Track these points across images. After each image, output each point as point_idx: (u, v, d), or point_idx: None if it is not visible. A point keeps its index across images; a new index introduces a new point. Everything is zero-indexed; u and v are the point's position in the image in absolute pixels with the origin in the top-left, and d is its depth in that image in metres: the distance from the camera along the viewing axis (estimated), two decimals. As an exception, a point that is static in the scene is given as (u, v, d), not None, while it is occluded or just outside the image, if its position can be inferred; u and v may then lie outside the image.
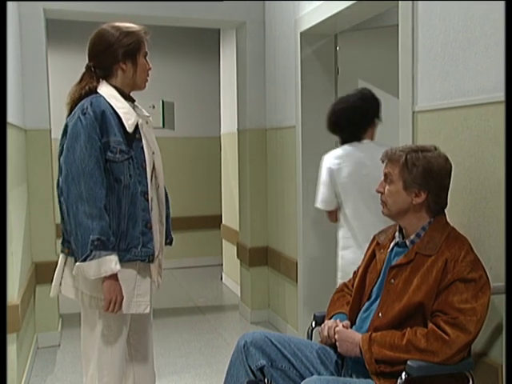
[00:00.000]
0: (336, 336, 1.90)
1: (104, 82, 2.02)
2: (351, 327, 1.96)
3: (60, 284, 2.05)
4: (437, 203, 1.85)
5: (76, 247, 1.87)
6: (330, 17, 3.13)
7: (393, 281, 1.85)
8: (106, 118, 1.91)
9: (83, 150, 1.87)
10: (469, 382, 1.79)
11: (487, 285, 1.75)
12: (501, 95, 1.83)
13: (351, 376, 1.90)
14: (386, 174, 1.93)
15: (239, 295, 4.61)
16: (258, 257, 4.24)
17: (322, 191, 2.80)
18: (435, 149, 1.88)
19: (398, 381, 1.70)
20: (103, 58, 2.01)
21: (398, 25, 2.44)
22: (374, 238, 2.08)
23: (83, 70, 2.07)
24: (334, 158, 2.76)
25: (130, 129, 1.96)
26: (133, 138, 1.98)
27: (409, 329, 1.76)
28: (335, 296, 2.17)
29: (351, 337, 1.85)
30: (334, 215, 2.84)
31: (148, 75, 2.11)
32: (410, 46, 2.35)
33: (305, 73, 3.51)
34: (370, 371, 1.76)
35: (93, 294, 1.96)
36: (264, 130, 4.19)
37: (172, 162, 5.77)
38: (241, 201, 4.47)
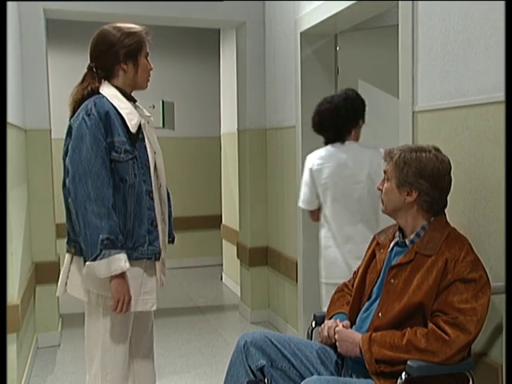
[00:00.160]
0: (336, 336, 1.90)
1: (106, 82, 2.03)
2: (351, 327, 1.96)
3: (66, 284, 2.07)
4: (429, 203, 1.84)
5: (85, 247, 1.89)
6: (330, 17, 3.13)
7: (393, 281, 1.85)
8: (110, 119, 1.93)
9: (89, 151, 1.89)
10: (469, 382, 1.79)
11: (487, 285, 1.75)
12: (501, 95, 1.83)
13: (351, 376, 1.90)
14: (384, 172, 1.94)
15: (239, 295, 4.61)
16: (257, 257, 4.24)
17: (303, 191, 2.87)
18: (435, 149, 1.87)
19: (398, 381, 1.70)
20: (105, 58, 2.03)
21: (397, 25, 2.45)
22: (375, 237, 2.08)
23: (83, 70, 2.08)
24: (316, 158, 2.80)
25: (133, 129, 1.98)
26: (136, 138, 2.00)
27: (409, 329, 1.76)
28: (335, 296, 2.17)
29: (351, 337, 1.85)
30: (315, 215, 2.90)
31: (149, 75, 2.13)
32: (410, 46, 2.35)
33: (305, 73, 3.52)
34: (370, 371, 1.76)
35: (100, 293, 1.98)
36: (264, 130, 4.19)
37: (172, 162, 5.76)
38: (241, 201, 4.47)
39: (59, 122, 3.93)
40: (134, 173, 1.97)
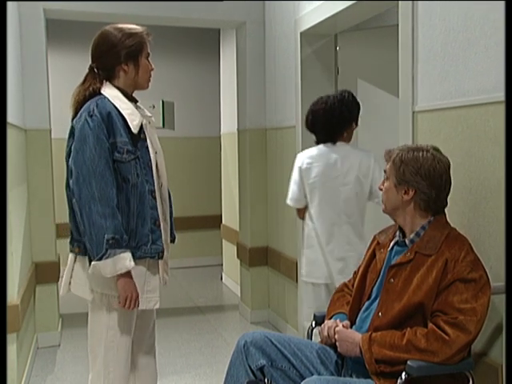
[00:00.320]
0: (336, 336, 1.90)
1: (107, 83, 2.05)
2: (351, 327, 1.96)
3: (69, 283, 2.08)
4: (426, 202, 1.84)
5: (91, 247, 1.90)
6: (330, 17, 3.13)
7: (392, 280, 1.85)
8: (112, 120, 1.95)
9: (92, 152, 1.90)
10: (469, 382, 1.79)
11: (487, 285, 1.75)
12: (501, 95, 1.83)
13: (351, 376, 1.90)
14: (385, 172, 1.94)
15: (239, 295, 4.61)
16: (258, 257, 4.24)
17: (292, 189, 2.91)
18: (434, 149, 1.88)
19: (398, 381, 1.70)
20: (106, 59, 2.04)
21: (397, 25, 2.44)
22: (375, 237, 2.08)
23: (84, 70, 2.09)
24: (306, 157, 2.83)
25: (135, 130, 1.99)
26: (138, 139, 2.02)
27: (409, 329, 1.76)
28: (335, 296, 2.17)
29: (351, 337, 1.85)
30: (302, 213, 2.94)
31: (150, 76, 2.14)
32: (410, 46, 2.35)
33: (305, 73, 3.52)
34: (370, 371, 1.76)
35: (104, 291, 2.00)
36: (264, 129, 4.19)
37: (172, 162, 5.73)
38: (241, 201, 4.47)
39: (59, 122, 3.95)
40: (137, 173, 1.99)
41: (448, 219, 1.90)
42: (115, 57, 2.03)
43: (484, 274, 1.76)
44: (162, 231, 2.08)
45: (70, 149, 1.97)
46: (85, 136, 1.91)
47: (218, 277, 5.67)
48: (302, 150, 3.49)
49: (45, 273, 3.71)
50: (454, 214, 2.04)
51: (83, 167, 1.90)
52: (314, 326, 2.18)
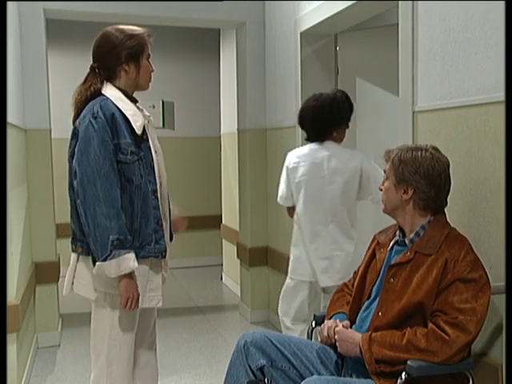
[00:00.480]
0: (336, 336, 1.90)
1: (108, 83, 2.05)
2: (351, 327, 1.96)
3: (72, 283, 2.09)
4: (425, 201, 1.85)
5: (95, 248, 1.91)
6: (330, 17, 3.13)
7: (392, 280, 1.85)
8: (115, 121, 1.95)
9: (97, 153, 1.91)
10: (469, 381, 1.79)
11: (487, 285, 1.75)
12: (501, 95, 1.83)
13: (351, 376, 1.90)
14: (384, 172, 1.95)
15: (239, 295, 4.61)
16: (258, 257, 4.24)
17: (281, 187, 2.95)
18: (433, 149, 1.88)
19: (398, 381, 1.70)
20: (107, 59, 2.05)
21: (397, 24, 2.44)
22: (375, 237, 2.08)
23: (84, 70, 2.10)
24: (294, 156, 2.85)
25: (138, 131, 2.01)
26: (141, 140, 2.03)
27: (409, 329, 1.76)
28: (335, 296, 2.17)
29: (351, 337, 1.85)
30: (292, 211, 2.97)
31: (151, 76, 2.15)
32: (409, 46, 2.35)
33: (305, 73, 3.52)
34: (370, 371, 1.76)
35: (107, 291, 2.01)
36: (264, 129, 4.19)
37: (172, 162, 5.72)
38: (241, 201, 4.47)
39: (59, 121, 3.95)
40: (140, 173, 2.00)
41: (448, 219, 1.90)
42: (116, 57, 2.03)
43: (484, 273, 1.76)
44: (165, 230, 2.09)
45: (73, 150, 1.97)
46: (89, 138, 1.92)
47: (218, 277, 5.67)
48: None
49: (45, 273, 3.71)
50: (454, 213, 2.04)
51: (88, 169, 1.90)
52: (314, 326, 2.18)
